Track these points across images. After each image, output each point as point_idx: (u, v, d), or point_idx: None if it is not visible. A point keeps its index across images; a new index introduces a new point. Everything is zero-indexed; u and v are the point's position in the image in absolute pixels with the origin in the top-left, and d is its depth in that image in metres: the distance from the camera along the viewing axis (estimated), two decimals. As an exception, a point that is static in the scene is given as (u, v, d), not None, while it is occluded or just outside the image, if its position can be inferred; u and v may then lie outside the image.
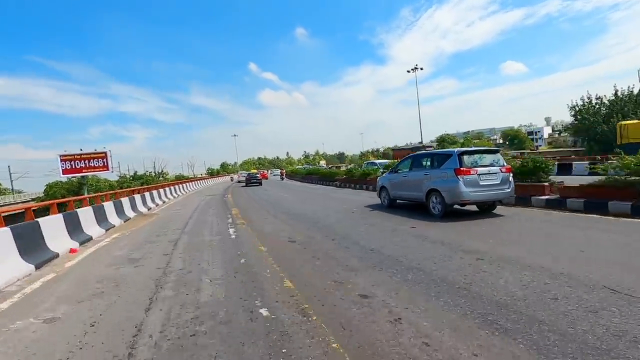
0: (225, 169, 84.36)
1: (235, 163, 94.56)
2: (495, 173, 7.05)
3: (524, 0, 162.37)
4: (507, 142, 77.94)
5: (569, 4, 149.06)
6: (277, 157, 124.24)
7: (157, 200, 16.46)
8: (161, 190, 18.96)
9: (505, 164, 7.52)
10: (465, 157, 7.08)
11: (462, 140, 69.26)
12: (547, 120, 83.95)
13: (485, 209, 7.77)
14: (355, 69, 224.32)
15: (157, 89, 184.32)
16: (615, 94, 27.55)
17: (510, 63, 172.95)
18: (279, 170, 54.96)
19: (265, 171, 56.45)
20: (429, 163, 8.02)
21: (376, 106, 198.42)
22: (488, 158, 7.31)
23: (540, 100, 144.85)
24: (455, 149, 7.67)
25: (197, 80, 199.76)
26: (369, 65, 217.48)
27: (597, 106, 28.52)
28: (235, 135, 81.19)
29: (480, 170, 6.91)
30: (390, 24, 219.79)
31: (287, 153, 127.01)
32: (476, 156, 7.38)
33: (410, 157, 9.41)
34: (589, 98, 29.50)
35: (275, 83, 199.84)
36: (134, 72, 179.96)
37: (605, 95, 28.87)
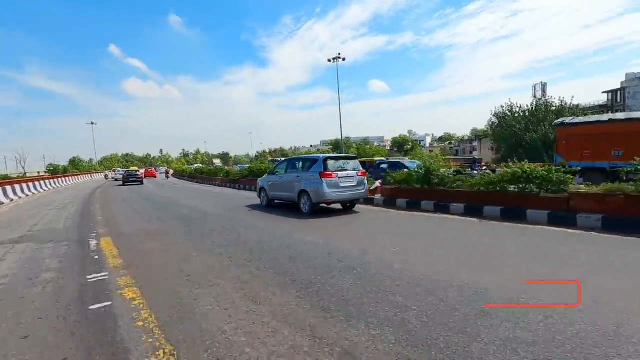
0: (77, 166, 69.32)
1: (91, 160, 79.55)
2: (353, 177, 8.67)
3: (387, 28, 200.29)
4: (395, 149, 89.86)
5: (419, 39, 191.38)
6: (148, 155, 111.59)
7: None
8: None
9: (361, 168, 9.32)
10: (329, 162, 8.49)
11: (355, 145, 76.88)
12: (410, 132, 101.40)
13: (348, 207, 9.42)
14: (237, 68, 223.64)
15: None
16: (536, 103, 29.17)
17: (375, 81, 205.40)
18: (165, 169, 52.61)
19: (153, 169, 50.16)
20: (300, 167, 9.22)
21: (258, 108, 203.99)
22: (347, 163, 8.92)
23: (400, 116, 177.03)
24: (321, 155, 9.06)
25: (37, 57, 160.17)
26: (251, 66, 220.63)
27: (518, 114, 29.58)
28: (93, 123, 64.66)
29: (340, 174, 8.40)
30: (273, 29, 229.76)
31: (161, 150, 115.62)
32: (340, 162, 8.91)
33: (286, 160, 10.50)
34: (510, 106, 30.51)
35: (144, 72, 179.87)
36: None
37: (524, 104, 30.07)
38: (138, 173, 28.56)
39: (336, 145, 77.45)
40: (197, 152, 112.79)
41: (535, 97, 36.26)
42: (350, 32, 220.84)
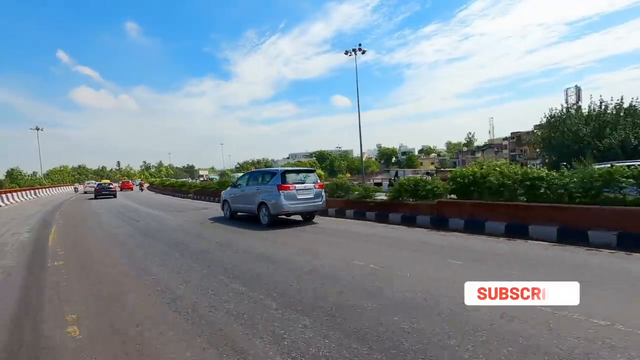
0: (15, 179, 64.06)
1: (34, 173, 73.88)
2: (310, 189, 9.55)
3: (349, 46, 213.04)
4: (383, 160, 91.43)
5: (379, 57, 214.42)
6: (104, 168, 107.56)
7: None
8: None
9: (319, 181, 10.24)
10: (287, 175, 9.34)
11: (336, 155, 78.72)
12: (378, 146, 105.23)
13: (307, 218, 10.25)
14: (198, 80, 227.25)
15: None
16: (600, 105, 25.19)
17: (338, 96, 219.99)
18: (138, 181, 55.31)
19: (130, 181, 51.55)
20: (260, 179, 10.01)
21: (221, 121, 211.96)
22: (305, 176, 9.81)
23: (363, 131, 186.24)
24: (280, 168, 9.90)
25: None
26: (213, 79, 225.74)
27: (577, 117, 25.70)
28: (38, 129, 57.34)
29: (298, 186, 9.24)
30: (236, 42, 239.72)
31: (119, 163, 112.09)
32: (299, 175, 9.79)
33: (247, 173, 11.28)
34: (567, 107, 26.69)
35: (96, 80, 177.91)
36: None
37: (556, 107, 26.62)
38: (111, 186, 29.09)
39: (320, 157, 78.74)
40: (160, 164, 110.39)
41: (567, 102, 33.56)
42: (314, 48, 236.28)
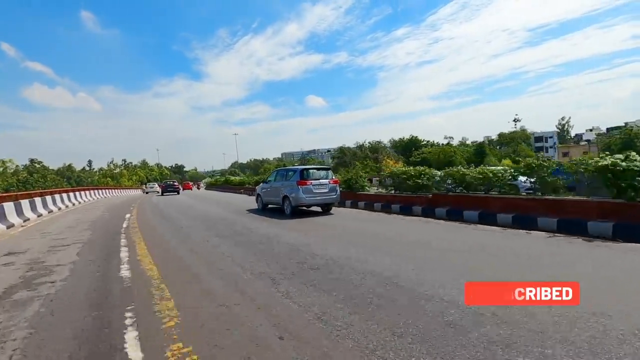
0: None
1: None
2: (325, 184, 13.71)
3: (322, 48, 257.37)
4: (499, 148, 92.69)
5: (352, 59, 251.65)
6: (69, 166, 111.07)
7: None
8: None
9: (333, 177, 14.52)
10: (306, 173, 13.57)
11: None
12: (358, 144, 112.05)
13: (325, 210, 14.45)
14: (168, 80, 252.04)
15: None
16: None
17: (313, 97, 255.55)
18: (198, 183, 75.27)
19: (190, 183, 73.54)
20: (285, 176, 14.38)
21: (192, 122, 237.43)
22: (322, 173, 14.03)
23: (335, 131, 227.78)
24: (299, 167, 14.26)
25: None
26: (184, 78, 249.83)
27: None
28: None
29: (314, 182, 13.38)
30: (207, 41, 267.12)
31: (90, 162, 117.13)
32: (317, 172, 13.98)
33: (275, 171, 15.95)
34: None
35: (49, 77, 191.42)
36: None
37: None
38: (175, 184, 41.21)
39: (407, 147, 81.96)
40: (145, 163, 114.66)
41: None
42: (287, 49, 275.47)
